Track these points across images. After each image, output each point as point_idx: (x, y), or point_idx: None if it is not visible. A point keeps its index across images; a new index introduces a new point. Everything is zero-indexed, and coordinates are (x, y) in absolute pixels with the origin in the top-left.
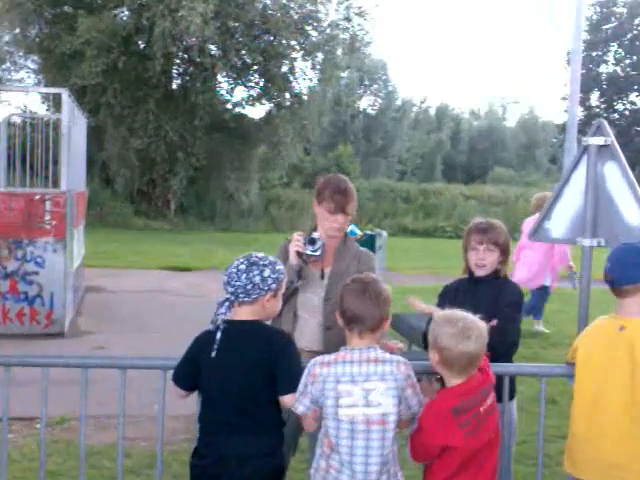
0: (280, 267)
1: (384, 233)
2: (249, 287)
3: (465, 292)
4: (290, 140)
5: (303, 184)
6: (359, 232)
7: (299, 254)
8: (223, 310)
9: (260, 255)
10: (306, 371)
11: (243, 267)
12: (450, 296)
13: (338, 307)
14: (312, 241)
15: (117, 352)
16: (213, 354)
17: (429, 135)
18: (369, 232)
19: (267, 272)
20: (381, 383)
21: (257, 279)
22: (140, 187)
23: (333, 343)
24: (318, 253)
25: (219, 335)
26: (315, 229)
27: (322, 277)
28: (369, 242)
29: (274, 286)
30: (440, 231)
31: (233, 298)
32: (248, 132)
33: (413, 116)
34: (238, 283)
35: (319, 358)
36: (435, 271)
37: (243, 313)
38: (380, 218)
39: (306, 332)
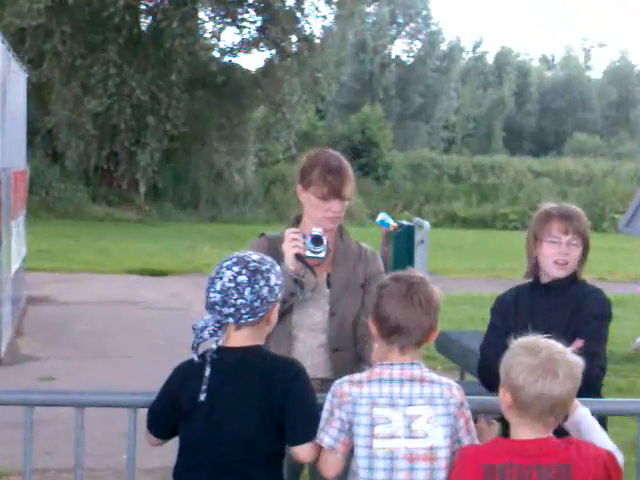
0: (279, 267)
1: (426, 224)
2: (257, 304)
3: (531, 304)
4: (298, 99)
5: None
6: (392, 222)
7: (299, 257)
8: (207, 335)
9: (255, 256)
10: (329, 394)
11: (245, 279)
12: (508, 311)
13: (373, 314)
14: (317, 240)
15: (71, 384)
16: (202, 397)
17: (486, 91)
18: (405, 222)
19: (273, 279)
20: (429, 408)
21: (265, 291)
22: (98, 164)
23: (341, 368)
24: (323, 255)
25: (208, 371)
26: (299, 221)
27: (328, 285)
28: (405, 236)
29: (280, 295)
30: (501, 220)
31: (232, 320)
32: (242, 89)
33: (464, 65)
34: (241, 301)
35: (347, 377)
36: (496, 274)
37: (241, 337)
38: (420, 203)
39: (307, 356)
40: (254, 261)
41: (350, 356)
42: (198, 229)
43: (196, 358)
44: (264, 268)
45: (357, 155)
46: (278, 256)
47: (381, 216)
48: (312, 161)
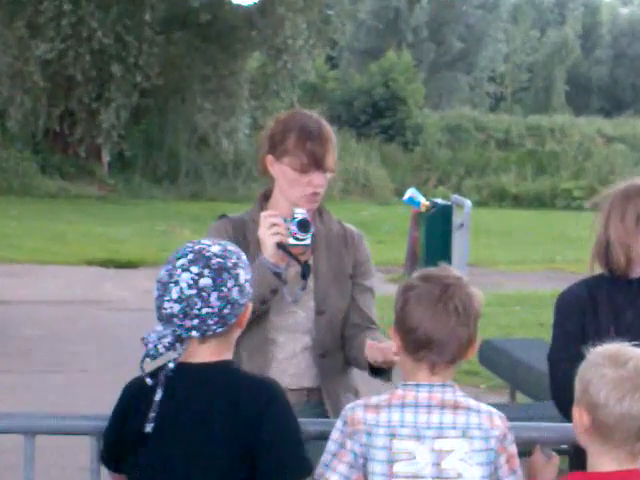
0: (244, 256)
1: (467, 202)
2: (227, 311)
3: (614, 304)
4: (303, 43)
5: (329, 118)
6: (423, 201)
7: (281, 246)
8: (163, 349)
9: (216, 248)
10: (339, 421)
11: (209, 281)
12: (583, 312)
13: (396, 323)
14: (303, 224)
15: (17, 406)
16: (148, 428)
17: (544, 33)
18: (441, 201)
19: (242, 275)
20: (463, 442)
21: (235, 293)
22: (49, 125)
23: (330, 376)
24: (308, 242)
25: (159, 395)
26: (266, 198)
27: (304, 276)
28: (440, 218)
29: (251, 291)
30: (563, 197)
31: (197, 334)
32: (231, 30)
33: (515, 0)
34: (207, 310)
35: (361, 400)
36: (555, 267)
37: (206, 351)
38: (460, 176)
39: (289, 363)
40: (216, 255)
41: (339, 361)
42: (177, 209)
43: (149, 381)
44: (230, 263)
45: (379, 114)
46: (245, 244)
47: (410, 193)
48: (285, 125)
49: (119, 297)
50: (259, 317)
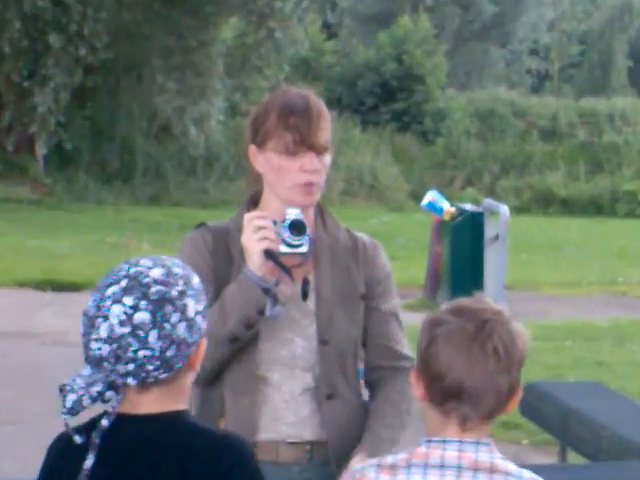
0: (197, 279)
1: (503, 208)
2: (170, 353)
3: None
4: (293, 7)
5: (326, 101)
6: (447, 206)
7: (270, 255)
8: (88, 401)
9: (157, 272)
10: None
11: (146, 316)
12: None
13: (419, 366)
14: (297, 226)
15: None
16: None
17: None
18: (469, 206)
19: (191, 305)
20: None
21: (182, 330)
22: None
23: (339, 425)
24: (305, 250)
25: (90, 460)
26: (255, 204)
27: (304, 296)
28: (469, 228)
29: (204, 326)
30: (626, 202)
31: (134, 381)
32: None
33: None
34: (144, 353)
35: (373, 460)
36: (618, 290)
37: (148, 401)
38: (494, 175)
39: (286, 408)
40: (157, 282)
41: (352, 406)
42: (132, 216)
43: (77, 439)
44: (175, 292)
45: (390, 97)
46: (228, 258)
47: (430, 196)
48: (266, 105)
49: (58, 328)
50: (245, 346)
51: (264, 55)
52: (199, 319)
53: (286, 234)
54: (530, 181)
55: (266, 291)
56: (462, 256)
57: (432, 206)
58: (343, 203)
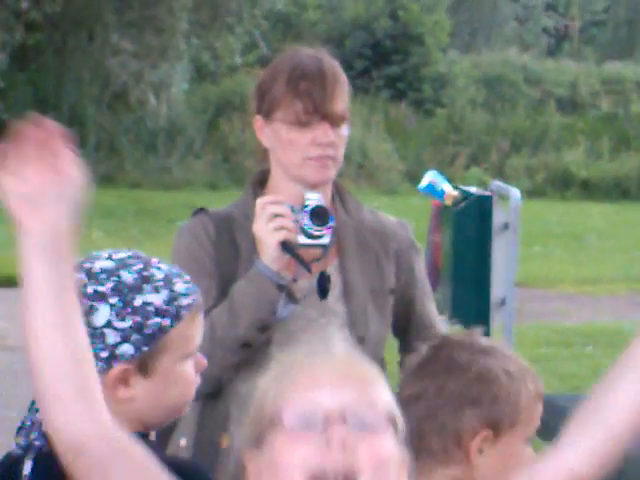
0: (184, 285)
1: (514, 191)
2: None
3: None
4: None
5: None
6: (449, 189)
7: (287, 247)
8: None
9: (99, 264)
10: None
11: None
12: None
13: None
14: (317, 214)
15: None
16: None
17: None
18: (474, 189)
19: (104, 311)
20: None
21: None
22: None
23: None
24: (326, 240)
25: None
26: (263, 185)
27: (323, 292)
28: (475, 214)
29: (124, 351)
30: None
31: None
32: None
33: None
34: None
35: None
36: None
37: None
38: (503, 152)
39: None
40: (85, 273)
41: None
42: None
43: (27, 469)
44: (90, 289)
45: (383, 60)
46: (234, 250)
47: (429, 177)
48: (273, 69)
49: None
50: (256, 352)
51: (235, 10)
52: (110, 335)
53: (306, 223)
54: (545, 160)
55: (281, 288)
56: (466, 247)
57: (432, 189)
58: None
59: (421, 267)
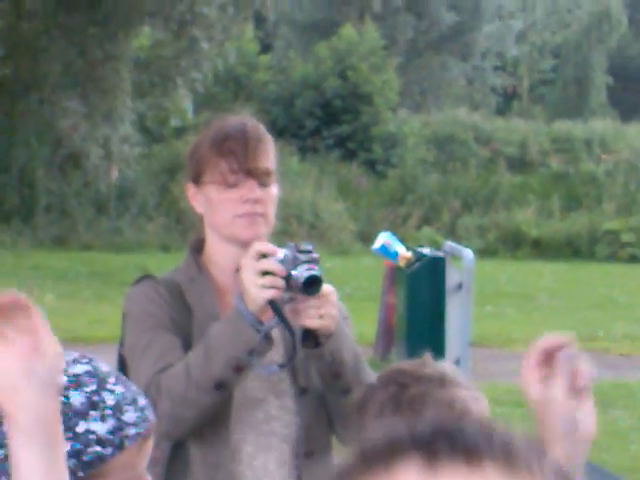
0: (135, 414)
1: (467, 252)
2: None
3: None
4: (219, 13)
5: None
6: (402, 250)
7: (274, 306)
8: None
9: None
10: None
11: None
12: None
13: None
14: (312, 283)
15: None
16: None
17: (576, 1)
18: (427, 250)
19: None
20: None
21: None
22: None
23: None
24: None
25: None
26: (199, 251)
27: (292, 354)
28: (428, 275)
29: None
30: (607, 243)
31: None
32: None
33: None
34: None
35: None
36: (600, 347)
37: None
38: (455, 212)
39: (262, 475)
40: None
41: (329, 467)
42: (34, 261)
43: None
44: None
45: (333, 119)
46: (187, 312)
47: (382, 239)
48: (200, 136)
49: None
50: (219, 413)
51: (184, 70)
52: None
53: (294, 271)
54: (496, 219)
55: (257, 331)
56: (420, 308)
57: (385, 250)
58: (280, 245)
59: (350, 332)
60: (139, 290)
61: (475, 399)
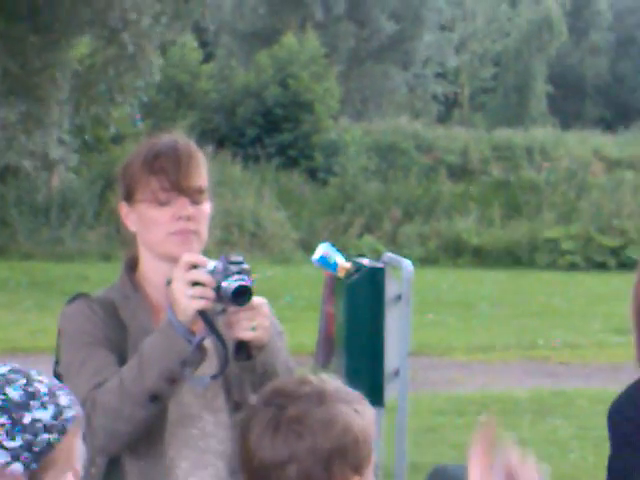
0: (67, 398)
1: (406, 263)
2: None
3: None
4: (154, 20)
5: (201, 134)
6: (341, 261)
7: (204, 317)
8: None
9: None
10: None
11: None
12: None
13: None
14: (240, 294)
15: None
16: None
17: (515, 9)
18: (367, 261)
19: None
20: None
21: None
22: None
23: None
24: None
25: None
26: (133, 269)
27: (224, 365)
28: (368, 286)
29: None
30: (547, 251)
31: None
32: (51, 4)
33: None
34: None
35: None
36: (538, 355)
37: None
38: (396, 220)
39: None
40: None
41: None
42: None
43: None
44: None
45: (274, 127)
46: (121, 329)
47: (322, 249)
48: (132, 155)
49: None
50: (153, 423)
51: (123, 80)
52: (1, 456)
53: (224, 280)
54: (437, 227)
55: (189, 342)
56: (359, 319)
57: (324, 261)
58: (221, 254)
59: (284, 346)
60: (74, 308)
61: (357, 412)
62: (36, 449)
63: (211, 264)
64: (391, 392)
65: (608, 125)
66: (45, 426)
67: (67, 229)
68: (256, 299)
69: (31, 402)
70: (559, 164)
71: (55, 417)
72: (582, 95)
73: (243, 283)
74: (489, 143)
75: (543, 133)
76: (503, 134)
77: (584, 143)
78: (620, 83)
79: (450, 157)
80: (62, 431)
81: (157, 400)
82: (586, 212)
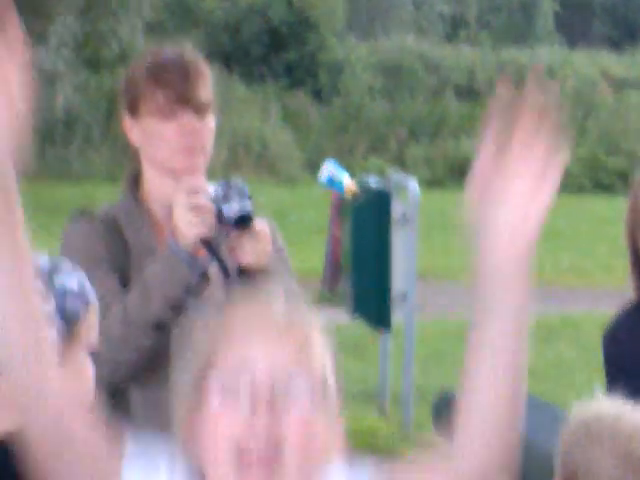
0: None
1: (412, 184)
2: None
3: None
4: None
5: (207, 52)
6: (348, 181)
7: (206, 243)
8: None
9: None
10: None
11: None
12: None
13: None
14: (242, 221)
15: None
16: None
17: None
18: (373, 181)
19: None
20: None
21: None
22: None
23: None
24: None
25: None
26: (136, 183)
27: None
28: (374, 207)
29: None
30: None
31: None
32: None
33: None
34: None
35: None
36: (545, 279)
37: None
38: (402, 141)
39: None
40: None
41: None
42: None
43: None
44: None
45: (279, 47)
46: (123, 248)
47: (327, 169)
48: (136, 65)
49: None
50: (158, 358)
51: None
52: None
53: (226, 205)
54: (444, 148)
55: (193, 269)
56: (366, 241)
57: (331, 182)
58: (226, 175)
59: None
60: (77, 228)
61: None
62: (67, 314)
63: (212, 189)
64: (398, 315)
65: (615, 44)
66: (73, 292)
67: (73, 149)
68: (258, 222)
69: (59, 266)
70: (565, 84)
71: (80, 286)
72: (589, 13)
73: (244, 207)
74: (495, 62)
75: (550, 52)
76: (509, 54)
77: (591, 63)
78: (628, 1)
79: (457, 76)
80: (86, 302)
81: (161, 328)
82: (592, 132)
